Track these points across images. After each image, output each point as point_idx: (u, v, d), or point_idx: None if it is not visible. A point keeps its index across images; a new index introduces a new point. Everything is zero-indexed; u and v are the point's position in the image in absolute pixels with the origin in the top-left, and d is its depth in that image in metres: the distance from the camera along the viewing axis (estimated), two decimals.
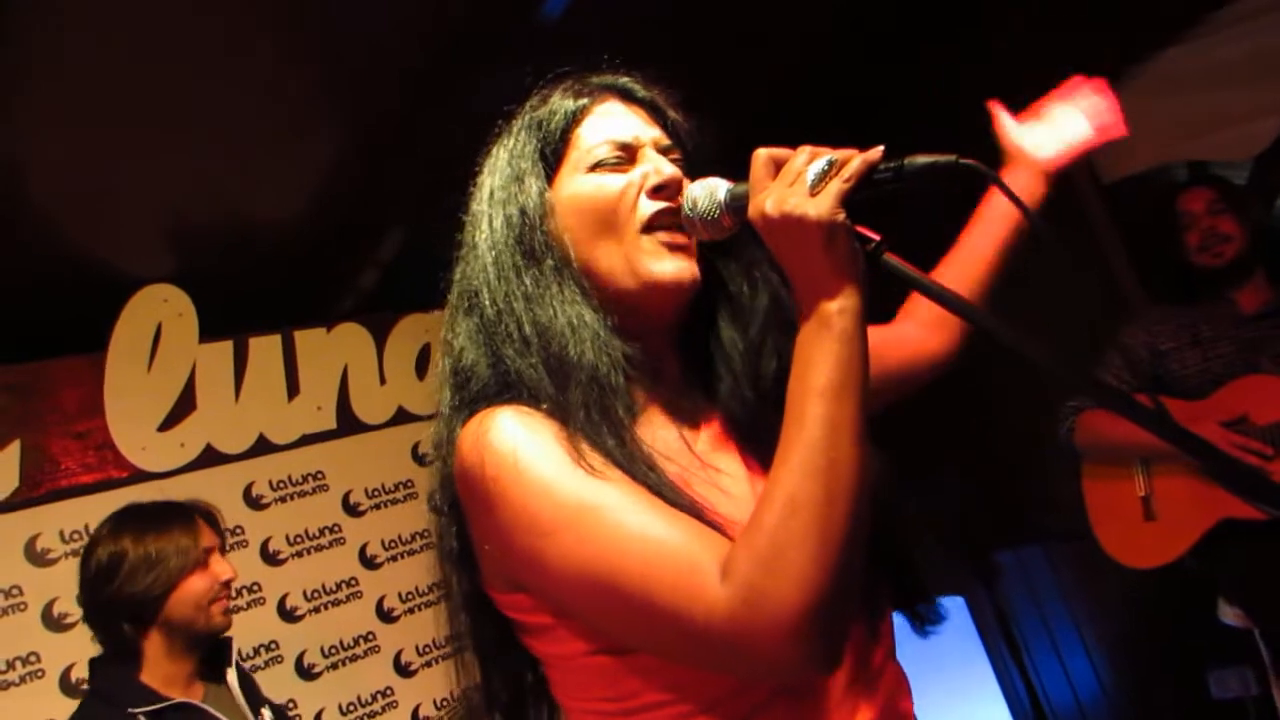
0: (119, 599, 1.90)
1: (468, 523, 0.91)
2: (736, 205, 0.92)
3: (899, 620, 1.02)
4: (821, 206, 0.81)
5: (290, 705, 2.61)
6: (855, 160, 0.83)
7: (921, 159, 0.84)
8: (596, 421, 0.87)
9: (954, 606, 3.40)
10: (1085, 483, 2.63)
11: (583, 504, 0.82)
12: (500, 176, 1.01)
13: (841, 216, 0.82)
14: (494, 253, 0.98)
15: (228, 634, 2.07)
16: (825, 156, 0.85)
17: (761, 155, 0.88)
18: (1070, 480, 2.68)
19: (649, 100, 1.05)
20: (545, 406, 0.89)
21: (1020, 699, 3.56)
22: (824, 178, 0.83)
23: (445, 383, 0.98)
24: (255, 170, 2.62)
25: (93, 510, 2.48)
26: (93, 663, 1.96)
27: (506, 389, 0.92)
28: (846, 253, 0.83)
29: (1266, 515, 2.23)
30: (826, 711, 0.87)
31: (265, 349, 2.88)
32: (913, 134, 1.58)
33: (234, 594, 2.04)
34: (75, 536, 2.44)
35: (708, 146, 1.08)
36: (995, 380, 2.54)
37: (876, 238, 0.86)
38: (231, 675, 2.06)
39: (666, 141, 1.03)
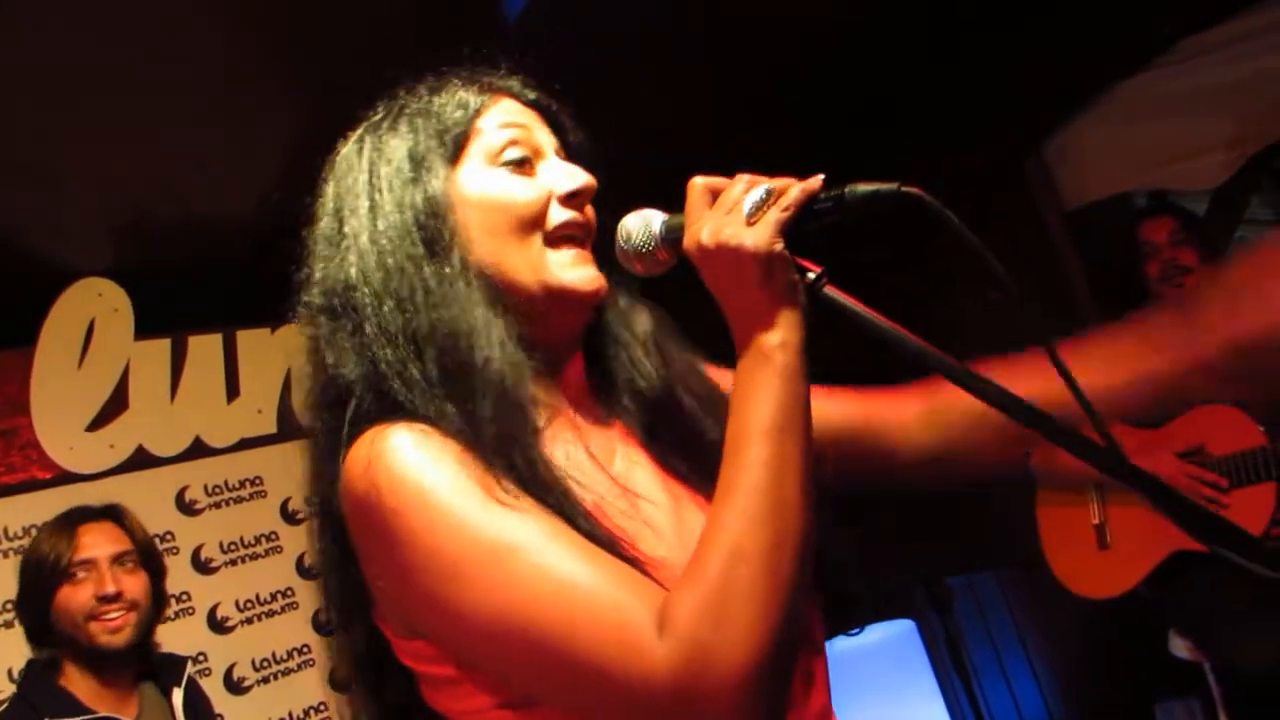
0: (21, 605, 1.89)
1: (358, 560, 0.81)
2: (672, 237, 0.87)
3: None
4: (759, 236, 0.77)
5: None
6: (794, 189, 0.79)
7: (863, 188, 0.79)
8: (505, 440, 0.78)
9: (905, 631, 3.37)
10: (1039, 510, 2.62)
11: (497, 543, 0.73)
12: (393, 163, 0.90)
13: (779, 246, 0.77)
14: (383, 243, 0.87)
15: (184, 655, 2.07)
16: (763, 185, 0.81)
17: (697, 184, 0.83)
18: (1023, 509, 2.67)
19: (545, 105, 0.98)
20: (444, 424, 0.79)
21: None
22: (761, 207, 0.79)
23: (313, 406, 0.89)
24: (203, 165, 2.56)
25: (14, 512, 2.41)
26: (27, 664, 1.91)
27: (396, 406, 0.81)
28: (785, 284, 0.78)
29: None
30: None
31: (205, 348, 2.81)
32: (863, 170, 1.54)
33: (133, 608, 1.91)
34: None
35: (599, 160, 1.00)
36: None
37: (817, 269, 0.81)
38: (178, 696, 1.97)
39: (562, 150, 0.97)
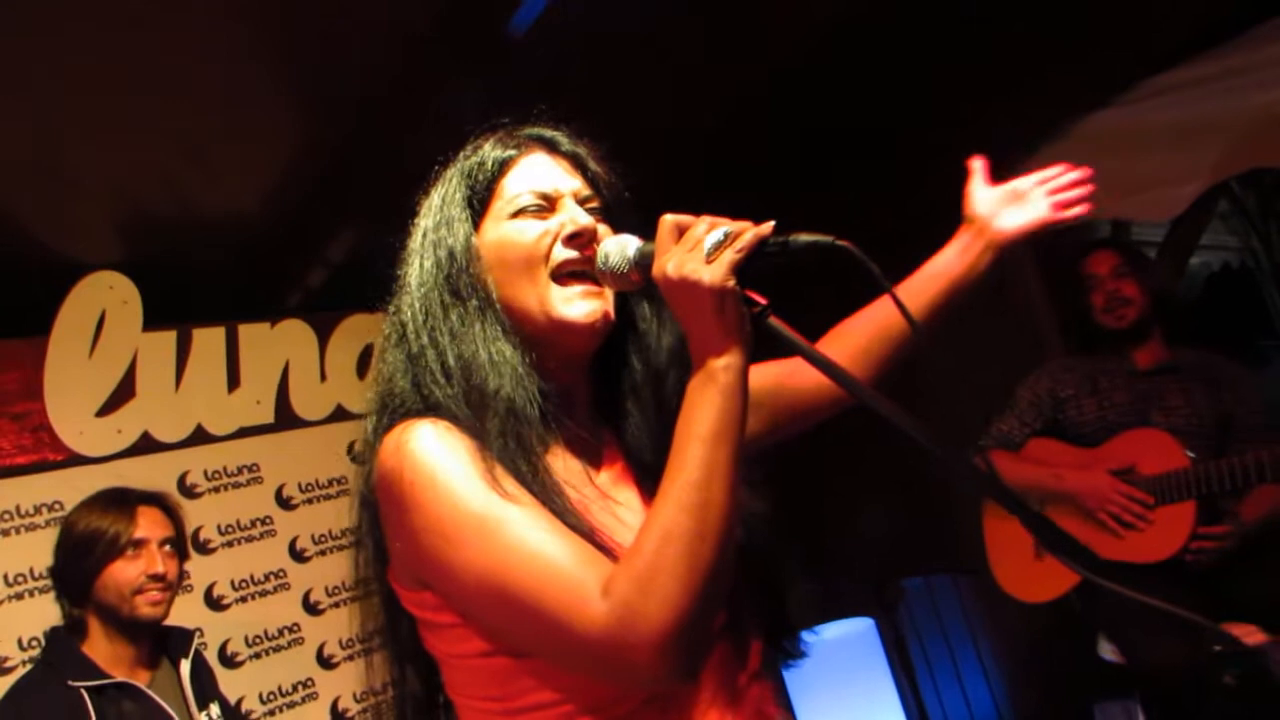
0: (60, 571, 2.03)
1: (382, 522, 1.00)
2: (644, 263, 1.01)
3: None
4: (715, 273, 0.90)
5: None
6: (748, 233, 0.93)
7: (805, 237, 0.94)
8: (511, 448, 0.96)
9: (864, 629, 3.53)
10: (986, 520, 2.78)
11: (488, 518, 0.91)
12: (432, 220, 1.10)
13: (731, 283, 0.91)
14: (422, 290, 1.07)
15: (192, 628, 2.22)
16: (722, 228, 0.94)
17: (667, 221, 0.97)
18: (977, 516, 2.83)
19: (572, 153, 1.14)
20: (462, 426, 0.98)
21: (924, 717, 3.72)
22: (719, 247, 0.92)
23: (373, 408, 1.08)
24: (209, 163, 2.66)
25: (26, 491, 2.53)
26: (48, 632, 2.06)
27: (429, 409, 1.01)
28: (735, 316, 0.92)
29: (1142, 561, 2.40)
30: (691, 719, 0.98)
31: (208, 341, 2.93)
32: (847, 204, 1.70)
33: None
34: (6, 516, 2.49)
35: (626, 197, 1.17)
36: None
37: (763, 302, 0.95)
38: (185, 666, 2.14)
39: (587, 192, 1.11)
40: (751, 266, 0.93)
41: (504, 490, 0.93)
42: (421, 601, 1.01)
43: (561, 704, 0.95)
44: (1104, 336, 2.71)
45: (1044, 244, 3.35)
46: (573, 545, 0.91)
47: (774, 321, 0.96)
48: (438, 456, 0.94)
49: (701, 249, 0.93)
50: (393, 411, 1.03)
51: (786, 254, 0.94)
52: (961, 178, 1.44)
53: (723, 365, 0.92)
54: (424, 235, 1.10)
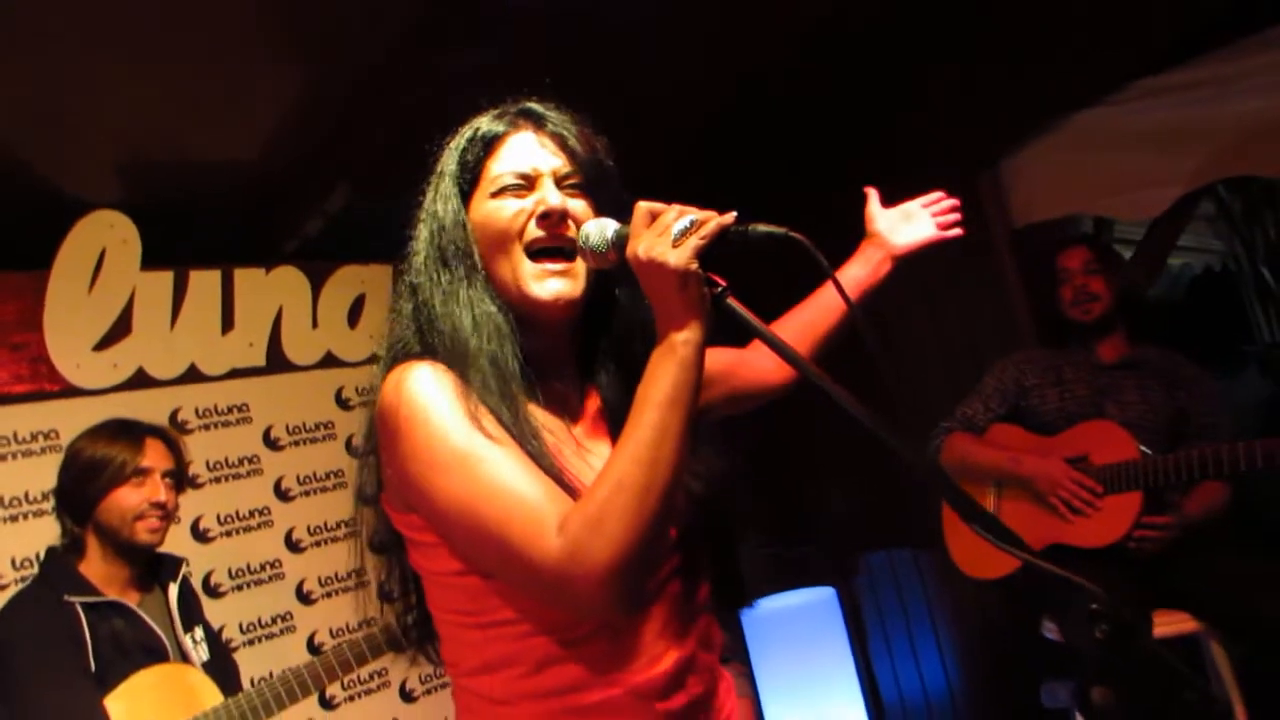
0: (64, 492, 2.14)
1: (379, 451, 1.13)
2: (620, 244, 1.11)
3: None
4: (680, 256, 1.00)
5: None
6: (712, 222, 1.03)
7: (762, 227, 1.04)
8: (495, 397, 1.08)
9: (826, 597, 3.66)
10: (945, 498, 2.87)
11: (469, 453, 1.02)
12: (430, 192, 1.22)
13: (694, 266, 1.00)
14: (420, 255, 1.19)
15: (180, 555, 2.33)
16: (689, 216, 1.04)
17: (642, 208, 1.07)
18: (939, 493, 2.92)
19: (557, 132, 1.22)
20: (456, 372, 1.09)
21: (874, 687, 3.87)
22: (686, 233, 1.01)
23: (383, 352, 1.20)
24: (213, 109, 2.71)
25: (23, 418, 2.63)
26: (47, 550, 2.17)
27: (427, 355, 1.13)
28: (696, 295, 1.03)
29: (1087, 545, 2.52)
30: (640, 649, 1.10)
31: (204, 283, 3.01)
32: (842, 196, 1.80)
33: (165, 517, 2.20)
34: (3, 442, 2.59)
35: (610, 171, 1.25)
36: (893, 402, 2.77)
37: (723, 284, 1.05)
38: (173, 590, 2.26)
39: (567, 169, 1.20)
40: (713, 252, 1.02)
41: (486, 430, 1.04)
42: (409, 523, 1.13)
43: (521, 622, 1.08)
44: (1071, 329, 2.80)
45: (1023, 238, 3.46)
46: (540, 484, 1.02)
47: (731, 302, 1.05)
48: (430, 395, 1.05)
49: (669, 234, 1.02)
50: (396, 355, 1.15)
51: (745, 242, 1.04)
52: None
53: (682, 339, 1.02)
54: (425, 205, 1.22)
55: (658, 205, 1.07)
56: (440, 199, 1.19)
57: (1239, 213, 4.71)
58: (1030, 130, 3.36)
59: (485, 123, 1.22)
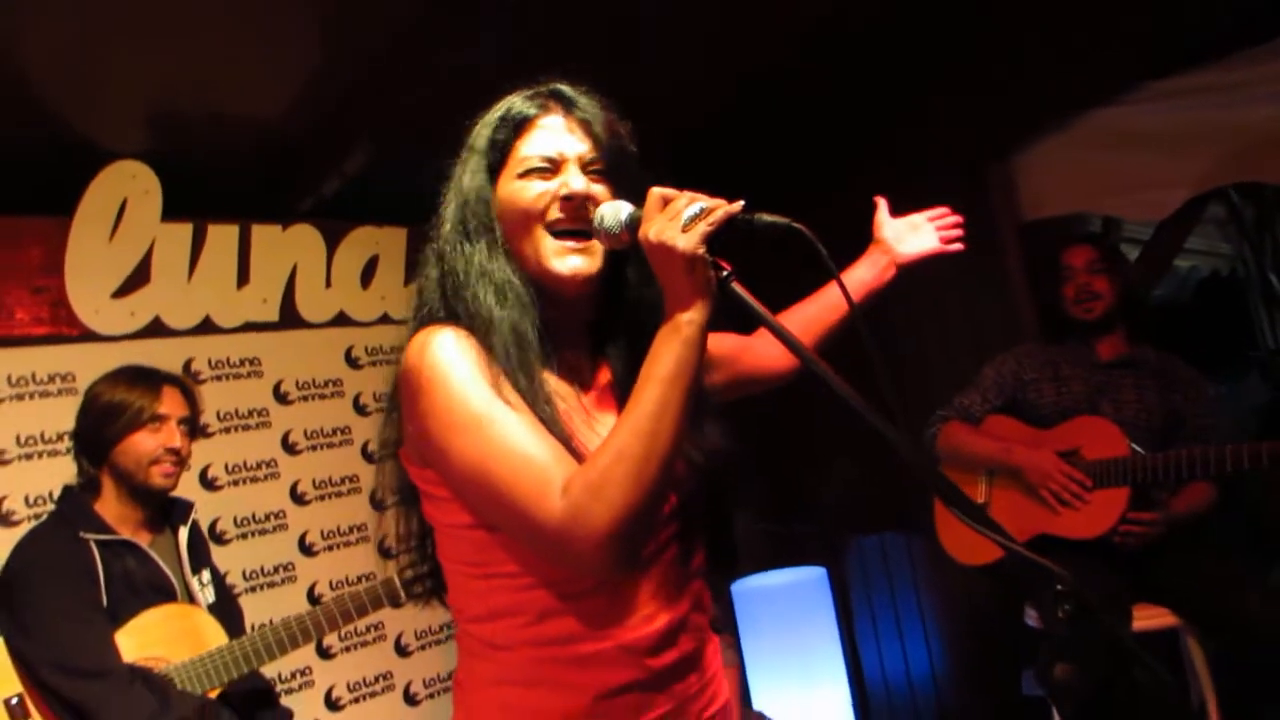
0: (82, 434, 2.21)
1: (401, 408, 1.19)
2: (633, 227, 1.16)
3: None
4: (688, 241, 1.06)
5: None
6: (720, 210, 1.08)
7: (768, 218, 1.09)
8: (512, 364, 1.14)
9: (817, 576, 3.73)
10: None
11: (484, 415, 1.09)
12: (461, 165, 1.28)
13: (701, 251, 1.06)
14: (448, 226, 1.25)
15: (190, 500, 2.40)
16: (699, 203, 1.09)
17: (655, 193, 1.13)
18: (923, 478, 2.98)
19: (584, 119, 1.27)
20: (477, 338, 1.16)
21: (858, 667, 3.95)
22: (695, 219, 1.07)
23: (411, 316, 1.27)
24: (240, 68, 2.74)
25: (41, 360, 2.69)
26: (64, 488, 2.25)
27: (451, 319, 1.19)
28: (702, 279, 1.08)
29: (1073, 537, 2.58)
30: (635, 607, 1.17)
31: (222, 237, 3.06)
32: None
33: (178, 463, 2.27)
34: (21, 382, 2.66)
35: (632, 157, 1.30)
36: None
37: (728, 268, 1.10)
38: (183, 533, 2.33)
39: (591, 155, 1.25)
40: (720, 238, 1.08)
41: (503, 395, 1.11)
42: (424, 477, 1.20)
43: (523, 575, 1.15)
44: (1072, 326, 2.85)
45: (1030, 233, 3.49)
46: (549, 448, 1.09)
47: (736, 286, 1.11)
48: (451, 359, 1.12)
49: (679, 220, 1.08)
50: (423, 318, 1.22)
51: (750, 230, 1.09)
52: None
53: (687, 320, 1.08)
54: (454, 179, 1.28)
55: (670, 191, 1.12)
56: (470, 174, 1.25)
57: (1250, 218, 4.74)
58: (1043, 126, 3.39)
59: (517, 103, 1.27)
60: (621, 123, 1.29)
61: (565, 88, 1.28)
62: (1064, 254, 2.86)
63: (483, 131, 1.27)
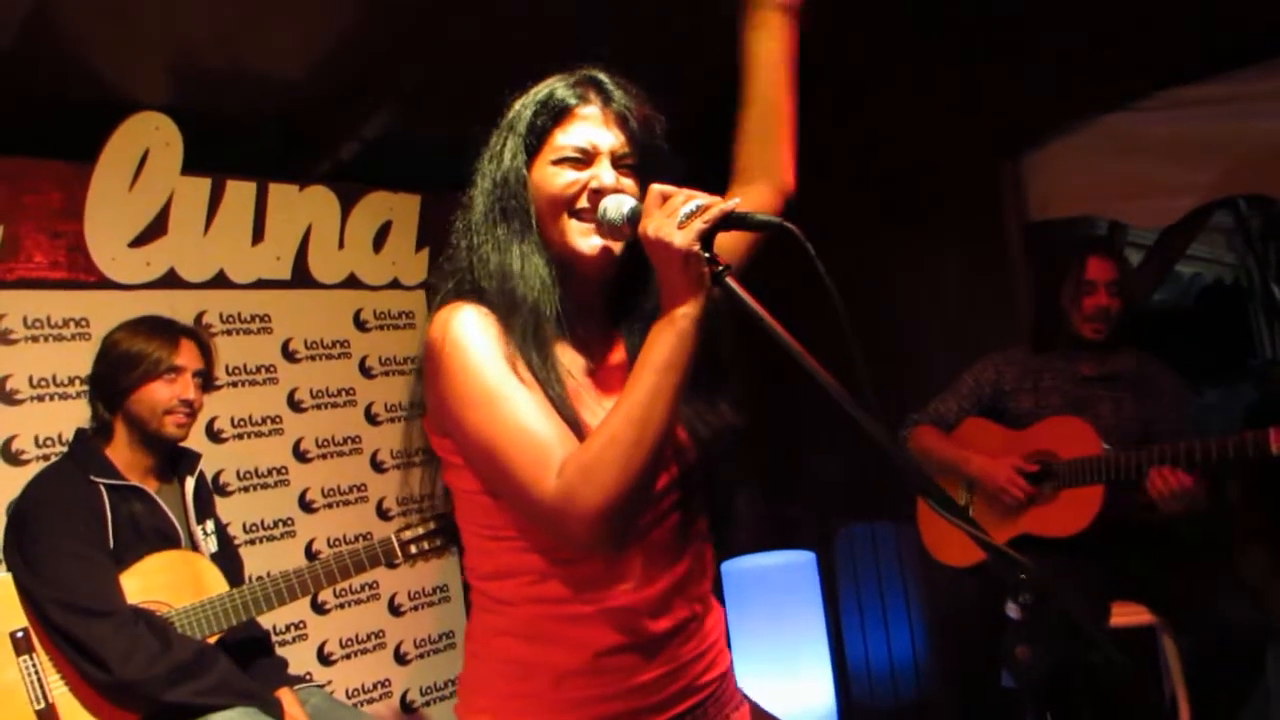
0: (99, 380, 2.26)
1: (424, 379, 1.26)
2: (634, 221, 1.21)
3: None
4: (684, 238, 1.11)
5: None
6: (715, 208, 1.13)
7: (760, 216, 1.15)
8: (529, 343, 1.20)
9: (806, 560, 3.78)
10: None
11: (497, 392, 1.15)
12: (498, 144, 1.32)
13: (696, 247, 1.11)
14: (481, 202, 1.30)
15: (198, 451, 2.46)
16: (696, 200, 1.14)
17: (655, 190, 1.18)
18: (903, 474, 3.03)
19: (620, 112, 1.32)
20: (498, 316, 1.22)
21: (842, 653, 4.01)
22: (691, 216, 1.12)
23: (443, 286, 1.32)
24: (266, 27, 2.79)
25: (57, 304, 2.74)
26: (77, 432, 2.30)
27: (475, 294, 1.25)
28: (697, 274, 1.13)
29: (1054, 535, 2.64)
30: (632, 572, 1.24)
31: (239, 193, 3.09)
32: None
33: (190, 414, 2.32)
34: (36, 324, 2.70)
35: (663, 150, 1.34)
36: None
37: (722, 264, 1.15)
38: (190, 483, 2.40)
39: (624, 150, 1.30)
40: (715, 235, 1.13)
41: (517, 373, 1.17)
42: (443, 445, 1.27)
43: (522, 539, 1.23)
44: (1066, 337, 2.84)
45: (1035, 232, 3.52)
46: (554, 428, 1.15)
47: (729, 281, 1.15)
48: (472, 336, 1.18)
49: (677, 216, 1.13)
50: (448, 292, 1.28)
51: (744, 228, 1.15)
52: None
53: (682, 313, 1.14)
54: (490, 158, 1.32)
55: (669, 188, 1.17)
56: (508, 154, 1.29)
57: (1256, 229, 4.77)
58: (1055, 127, 3.41)
59: (560, 89, 1.31)
60: (656, 115, 1.34)
61: (604, 78, 1.32)
62: (1088, 263, 2.78)
63: (523, 113, 1.31)
